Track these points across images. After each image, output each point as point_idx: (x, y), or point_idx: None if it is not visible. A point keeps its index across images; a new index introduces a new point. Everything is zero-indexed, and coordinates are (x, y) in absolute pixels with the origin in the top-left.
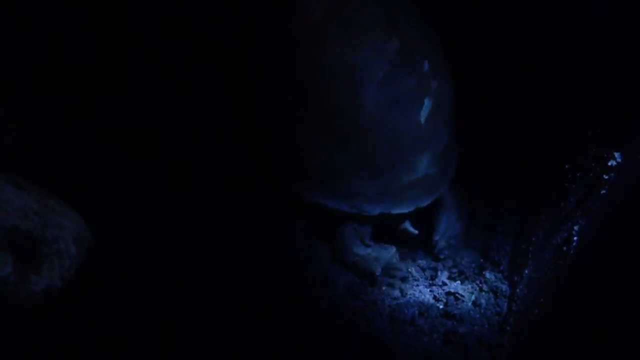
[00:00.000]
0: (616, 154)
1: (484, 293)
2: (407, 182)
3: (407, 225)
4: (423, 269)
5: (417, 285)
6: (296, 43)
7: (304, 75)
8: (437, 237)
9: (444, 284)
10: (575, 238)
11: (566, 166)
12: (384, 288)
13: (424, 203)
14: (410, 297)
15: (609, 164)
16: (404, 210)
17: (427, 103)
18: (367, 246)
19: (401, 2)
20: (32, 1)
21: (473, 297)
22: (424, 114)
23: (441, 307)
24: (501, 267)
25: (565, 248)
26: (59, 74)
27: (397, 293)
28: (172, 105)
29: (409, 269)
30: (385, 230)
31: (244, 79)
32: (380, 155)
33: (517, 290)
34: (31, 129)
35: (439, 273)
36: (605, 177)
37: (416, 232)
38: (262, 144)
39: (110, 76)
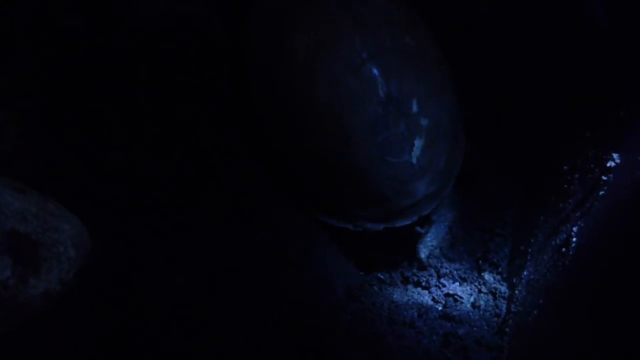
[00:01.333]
0: (615, 155)
1: (483, 294)
2: (407, 205)
3: (417, 229)
4: (422, 270)
5: (416, 287)
6: (286, 85)
7: (297, 118)
8: (420, 246)
9: (443, 285)
10: (574, 239)
11: (565, 167)
12: (383, 290)
13: (426, 212)
14: (409, 299)
15: (608, 165)
16: (407, 222)
17: (418, 143)
18: None
19: (389, 25)
20: (31, 5)
21: (472, 299)
22: (415, 154)
23: (440, 308)
24: (500, 269)
25: (564, 249)
26: (58, 78)
27: (396, 295)
28: (172, 108)
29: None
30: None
31: (244, 85)
32: (376, 192)
33: (516, 291)
34: (30, 134)
35: (439, 274)
36: (604, 178)
37: (422, 231)
38: (265, 154)
39: (110, 79)
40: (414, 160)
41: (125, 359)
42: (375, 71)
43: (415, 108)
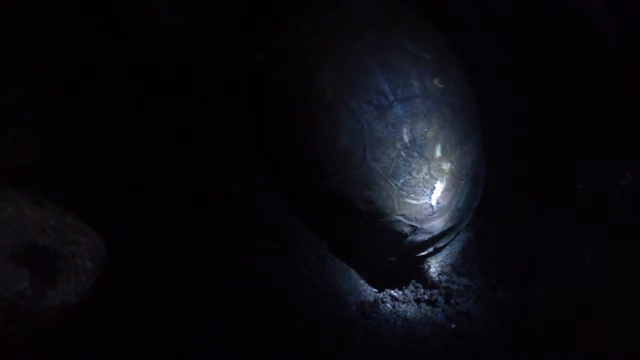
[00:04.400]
0: (627, 174)
1: (496, 313)
2: (424, 241)
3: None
4: (435, 288)
5: (429, 305)
6: (310, 126)
7: (319, 159)
8: (433, 265)
9: (457, 303)
10: (587, 257)
11: (578, 186)
12: (396, 307)
13: (441, 244)
14: (422, 317)
15: (621, 183)
16: (423, 253)
17: (439, 186)
18: None
19: (418, 68)
20: (49, 20)
21: (485, 317)
22: (435, 196)
23: (453, 326)
24: (513, 287)
25: (577, 268)
26: (75, 92)
27: (409, 313)
28: (187, 123)
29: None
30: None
31: (259, 105)
32: (392, 229)
33: (530, 309)
34: (49, 146)
35: (452, 293)
36: (617, 196)
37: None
38: (283, 181)
39: (126, 93)
40: (434, 202)
41: None
42: (401, 115)
43: (438, 153)
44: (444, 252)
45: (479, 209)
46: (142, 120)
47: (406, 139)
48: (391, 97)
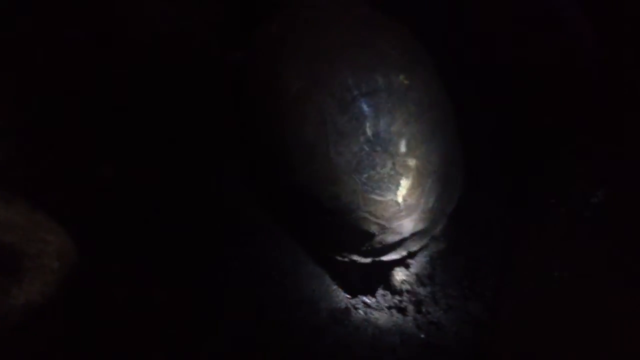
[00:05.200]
0: (599, 192)
1: (466, 324)
2: (393, 242)
3: (398, 271)
4: (409, 297)
5: (401, 314)
6: (277, 119)
7: (286, 153)
8: (408, 273)
9: (428, 312)
10: (557, 273)
11: (552, 200)
12: (368, 314)
13: (415, 248)
14: (393, 325)
15: (591, 201)
16: (396, 257)
17: (404, 183)
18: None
19: (385, 65)
20: (32, 20)
21: (455, 328)
22: (400, 192)
23: (422, 336)
24: (485, 299)
25: (548, 282)
26: (54, 91)
27: (381, 321)
28: (165, 124)
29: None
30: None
31: (240, 110)
32: (360, 228)
33: (501, 322)
34: (24, 145)
35: (425, 302)
36: (587, 214)
37: (411, 259)
38: (256, 173)
39: (108, 94)
40: (400, 199)
41: None
42: (364, 109)
43: (403, 148)
44: (418, 259)
45: (454, 217)
46: (119, 120)
47: (369, 132)
48: (355, 91)
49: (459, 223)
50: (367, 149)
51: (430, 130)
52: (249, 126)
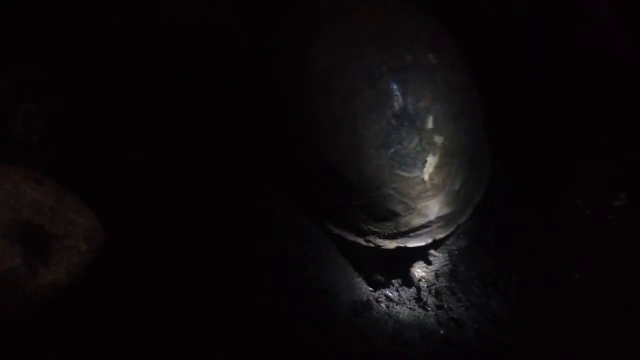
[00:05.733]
0: (622, 195)
1: (487, 322)
2: (418, 225)
3: (432, 252)
4: (432, 292)
5: (423, 309)
6: (304, 96)
7: (312, 126)
8: (431, 269)
9: (450, 309)
10: (579, 275)
11: (578, 201)
12: (390, 309)
13: (441, 236)
14: (414, 320)
15: (615, 204)
16: (421, 244)
17: (431, 160)
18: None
19: (413, 44)
20: (68, 9)
21: (476, 325)
22: (427, 170)
23: (443, 333)
24: (508, 297)
25: (571, 282)
26: (87, 78)
27: (402, 315)
28: (192, 112)
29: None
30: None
31: (267, 96)
32: (385, 206)
33: (522, 321)
34: (57, 128)
35: (447, 298)
36: (611, 217)
37: (438, 255)
38: (281, 161)
39: (133, 80)
40: (426, 177)
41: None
42: (392, 84)
43: (430, 125)
44: (444, 258)
45: (480, 213)
46: (150, 108)
47: (397, 107)
48: (384, 67)
49: (483, 220)
50: (394, 123)
51: (458, 110)
52: (276, 108)
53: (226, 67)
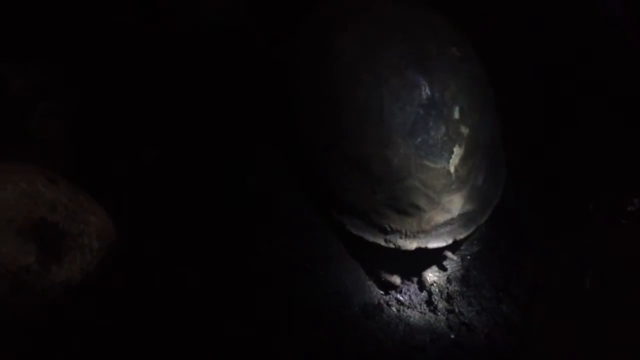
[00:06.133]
0: (635, 200)
1: (498, 327)
2: (441, 222)
3: (448, 254)
4: (443, 296)
5: (433, 312)
6: (329, 85)
7: (336, 118)
8: (444, 272)
9: (461, 313)
10: (590, 279)
11: (590, 207)
12: (400, 312)
13: (462, 236)
14: (425, 324)
15: (628, 208)
16: (441, 244)
17: (457, 151)
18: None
19: (437, 37)
20: (85, 8)
21: (486, 330)
22: (453, 161)
23: (453, 336)
24: (519, 302)
25: (583, 288)
26: (105, 78)
27: (412, 318)
28: (209, 112)
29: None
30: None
31: (284, 97)
32: (409, 199)
33: (533, 326)
34: (72, 126)
35: (458, 302)
36: (624, 222)
37: (455, 257)
38: (298, 165)
39: (152, 80)
40: (452, 169)
41: (135, 355)
42: (419, 75)
43: (457, 115)
44: (457, 262)
45: (493, 218)
46: (166, 108)
47: (424, 96)
48: (410, 58)
49: (495, 225)
50: (421, 112)
51: (482, 103)
52: (297, 101)
53: (242, 69)
